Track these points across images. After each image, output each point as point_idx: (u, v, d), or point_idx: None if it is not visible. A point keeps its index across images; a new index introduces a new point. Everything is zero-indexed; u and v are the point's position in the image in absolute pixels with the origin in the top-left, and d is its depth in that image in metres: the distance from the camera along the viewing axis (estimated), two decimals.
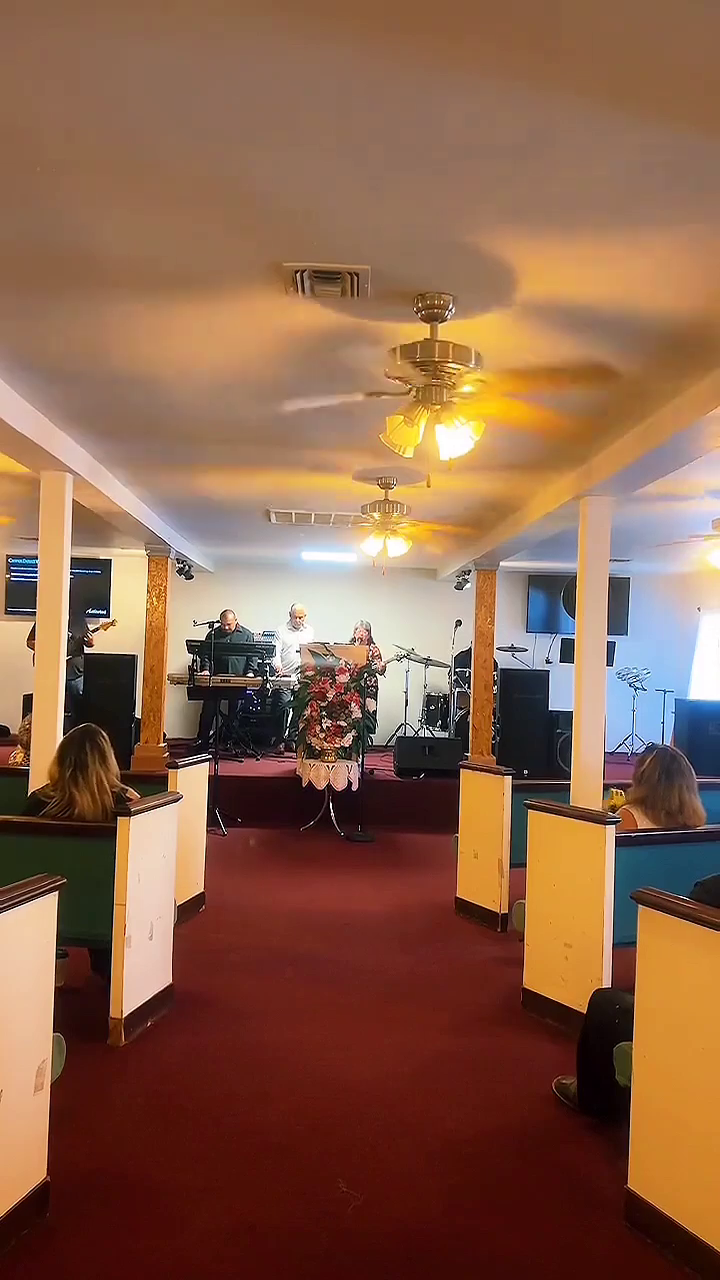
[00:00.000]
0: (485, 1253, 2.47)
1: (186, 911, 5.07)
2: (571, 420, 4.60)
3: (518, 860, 4.83)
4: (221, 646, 9.81)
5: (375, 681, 9.90)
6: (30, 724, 5.94)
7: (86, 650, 9.18)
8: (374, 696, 9.41)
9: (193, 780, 5.29)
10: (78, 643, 9.02)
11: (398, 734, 10.48)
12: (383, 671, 9.84)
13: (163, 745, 9.10)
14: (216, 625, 9.70)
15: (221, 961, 4.64)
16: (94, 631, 9.25)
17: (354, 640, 10.29)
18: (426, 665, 10.56)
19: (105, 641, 9.45)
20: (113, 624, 9.27)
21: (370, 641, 10.31)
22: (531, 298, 3.27)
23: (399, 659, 10.34)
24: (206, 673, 9.54)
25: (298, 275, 3.15)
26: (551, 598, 12.06)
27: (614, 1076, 2.86)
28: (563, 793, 5.38)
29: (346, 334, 3.68)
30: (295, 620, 10.53)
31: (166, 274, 3.21)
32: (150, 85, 2.19)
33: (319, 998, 4.22)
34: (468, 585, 10.12)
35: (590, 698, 5.65)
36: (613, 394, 4.16)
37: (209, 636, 9.57)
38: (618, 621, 11.43)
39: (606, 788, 5.32)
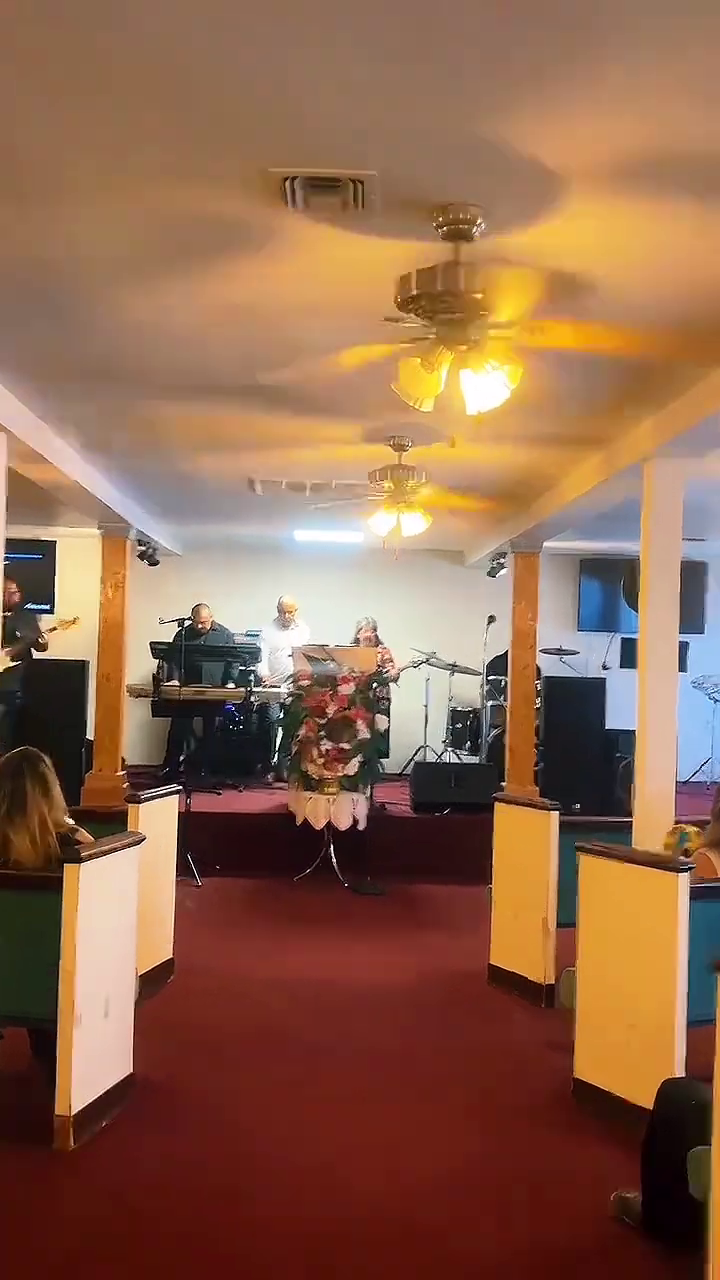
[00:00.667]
0: None
1: (152, 982, 5.08)
2: (643, 341, 4.47)
3: (567, 918, 4.82)
4: (194, 650, 9.81)
5: (387, 693, 9.93)
6: None
7: (37, 655, 9.18)
8: (385, 712, 9.43)
9: (159, 818, 5.30)
10: (26, 646, 9.02)
11: (415, 759, 10.47)
12: (395, 680, 9.85)
13: (121, 774, 9.11)
14: (188, 623, 9.70)
15: (196, 1045, 4.64)
16: (51, 631, 9.24)
17: (357, 641, 10.30)
18: (451, 672, 10.55)
19: (54, 644, 9.49)
20: (74, 623, 9.27)
21: (378, 642, 10.32)
22: (593, 181, 3.16)
23: (416, 665, 10.33)
24: (175, 683, 9.56)
25: (288, 184, 3.15)
26: (609, 587, 12.03)
27: (687, 1189, 2.84)
28: (624, 833, 5.37)
29: (352, 259, 3.67)
30: (285, 617, 10.55)
31: (129, 187, 3.22)
32: None
33: (318, 1090, 4.22)
34: (503, 572, 10.10)
35: (658, 712, 5.64)
36: (700, 308, 4.08)
37: (178, 637, 9.58)
38: (692, 616, 11.36)
39: (678, 826, 5.30)
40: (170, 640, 9.79)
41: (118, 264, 3.83)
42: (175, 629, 9.72)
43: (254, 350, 4.70)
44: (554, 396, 5.38)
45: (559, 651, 11.01)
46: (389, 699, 9.97)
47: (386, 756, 9.10)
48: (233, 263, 3.78)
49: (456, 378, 3.62)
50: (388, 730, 9.12)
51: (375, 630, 10.43)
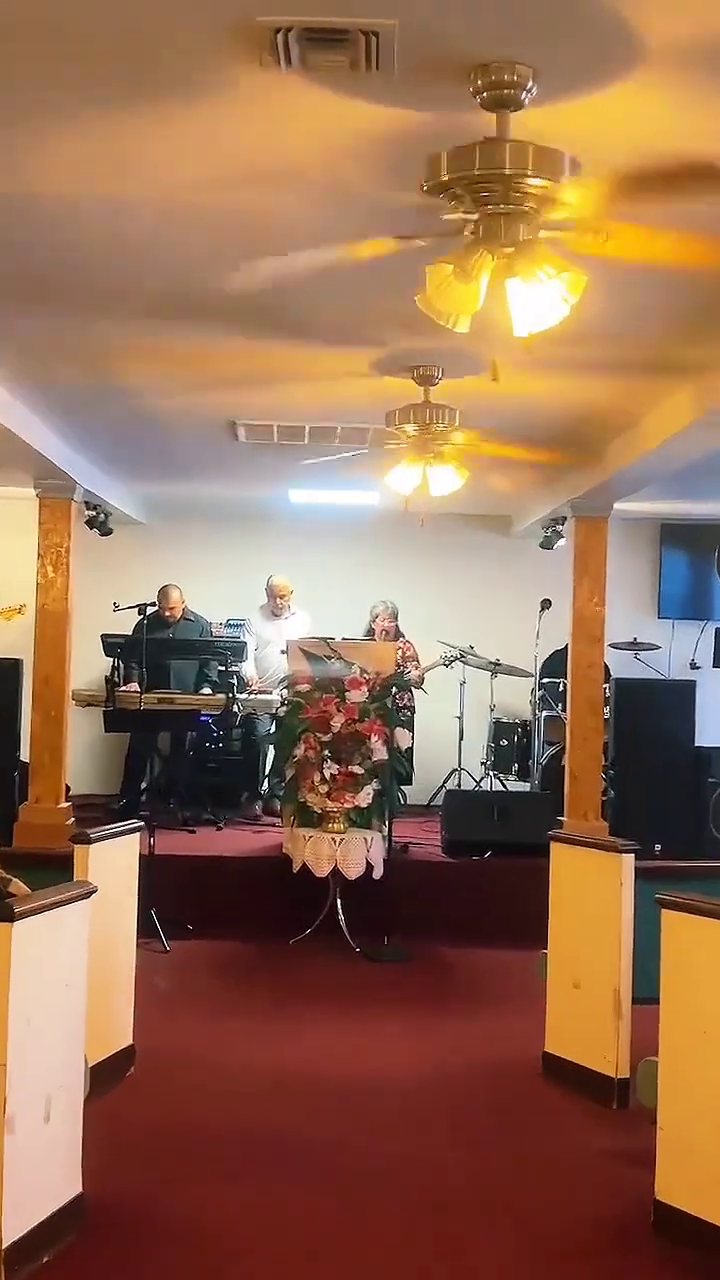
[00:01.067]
0: None
1: (106, 1075, 5.08)
2: None
3: (645, 992, 4.81)
4: (160, 645, 9.81)
5: (410, 700, 9.93)
6: None
7: None
8: (408, 725, 9.43)
9: (114, 863, 5.30)
10: None
11: (447, 787, 10.46)
12: (419, 684, 9.85)
13: (65, 806, 9.13)
14: (152, 610, 9.70)
15: (162, 1157, 4.64)
16: None
17: (372, 633, 10.30)
18: (494, 674, 10.55)
19: None
20: (19, 611, 9.30)
21: (399, 635, 10.32)
22: (682, 38, 3.17)
23: (448, 663, 10.33)
24: (135, 686, 9.57)
25: (280, 38, 3.14)
26: (699, 562, 12.00)
27: None
28: (718, 881, 5.35)
29: (363, 136, 3.66)
30: (276, 602, 10.56)
31: (81, 44, 3.22)
32: None
33: (319, 1219, 4.21)
34: (561, 543, 10.08)
35: None
36: None
37: (139, 628, 9.59)
38: None
39: None
40: (129, 633, 9.81)
41: (58, 135, 3.83)
42: (136, 618, 9.72)
43: (231, 250, 4.69)
44: (629, 312, 5.36)
45: (634, 646, 10.99)
46: (412, 708, 9.98)
47: (409, 783, 9.09)
48: (209, 136, 3.77)
49: (500, 289, 3.60)
50: (411, 749, 9.12)
51: (396, 619, 10.43)
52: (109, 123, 3.71)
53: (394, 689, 8.23)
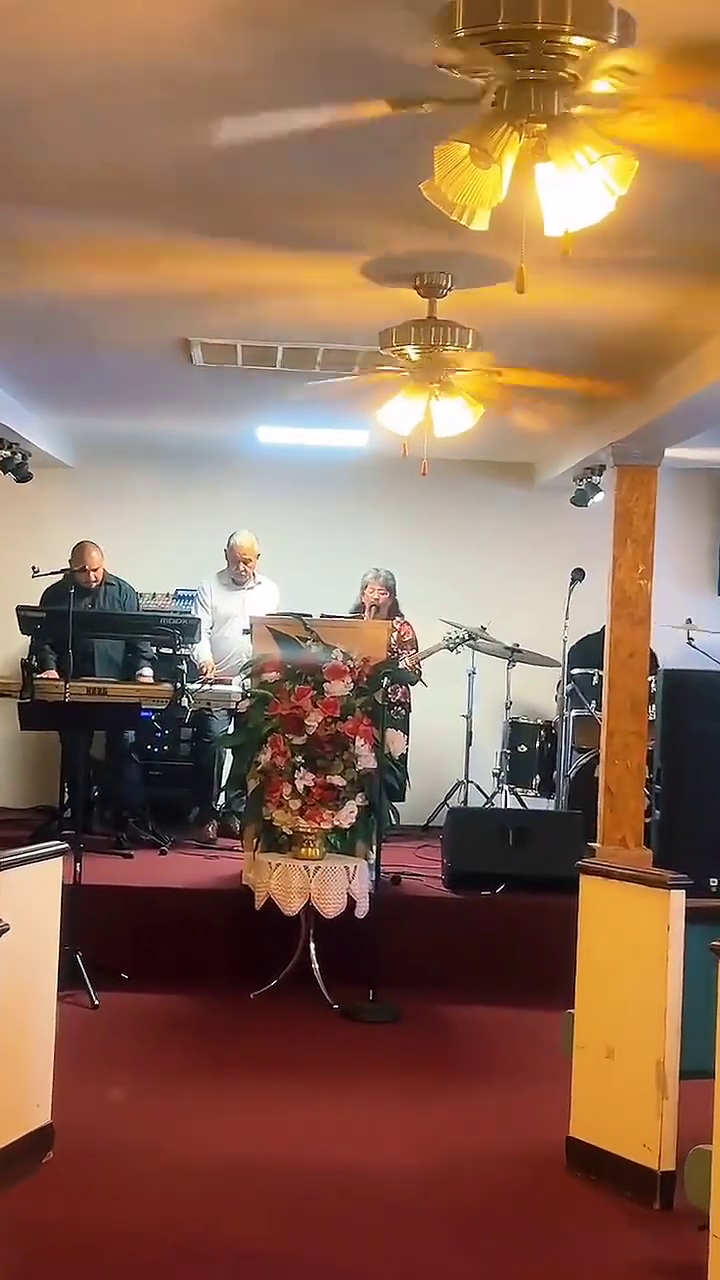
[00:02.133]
0: None
1: (16, 1162, 5.10)
2: None
3: (696, 1064, 4.83)
4: (87, 619, 9.78)
5: (406, 694, 9.93)
6: None
7: None
8: (403, 726, 9.43)
9: (30, 895, 5.30)
10: None
11: (450, 802, 10.46)
12: (417, 673, 9.85)
13: None
14: (64, 572, 9.61)
15: (82, 1268, 4.63)
16: None
17: (361, 609, 10.30)
18: (511, 662, 10.56)
19: None
20: None
21: (394, 611, 10.32)
22: None
23: (451, 647, 10.34)
24: (54, 673, 9.54)
25: None
26: None
27: None
28: None
29: None
30: (238, 568, 10.53)
31: None
32: None
33: None
34: (597, 498, 10.08)
35: None
36: None
37: (55, 596, 9.55)
38: None
39: None
40: (42, 602, 9.79)
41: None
42: (50, 585, 9.70)
43: (179, 115, 4.68)
44: (690, 203, 5.35)
45: (688, 627, 11.00)
46: (408, 705, 9.99)
47: (403, 798, 9.10)
48: None
49: (528, 176, 3.59)
50: (406, 755, 9.13)
51: (391, 592, 10.43)
52: None
53: (385, 680, 8.21)
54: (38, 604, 9.79)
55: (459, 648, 10.34)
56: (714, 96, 4.07)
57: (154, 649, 9.98)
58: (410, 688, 9.92)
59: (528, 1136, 5.97)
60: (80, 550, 10.12)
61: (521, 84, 3.49)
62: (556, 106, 3.51)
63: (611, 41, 3.43)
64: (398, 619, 10.23)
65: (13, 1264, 4.31)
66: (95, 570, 10.12)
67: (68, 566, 9.53)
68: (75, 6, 3.94)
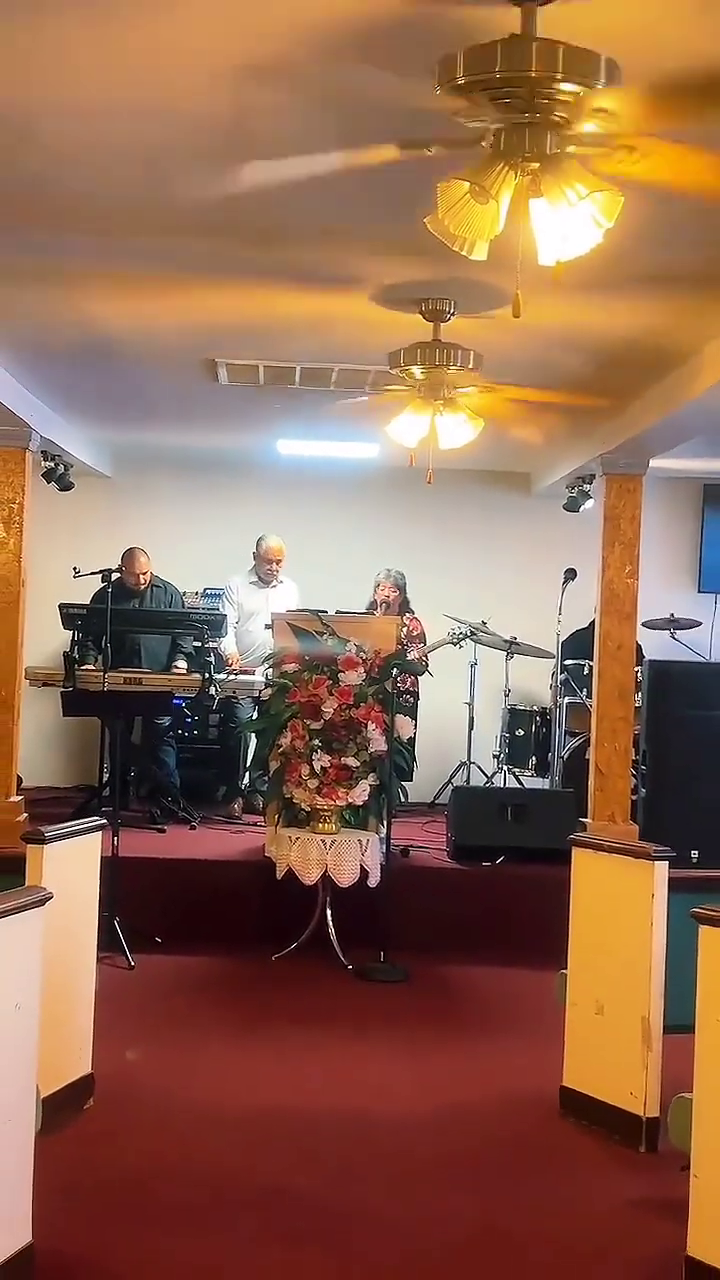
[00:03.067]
0: None
1: (60, 1108, 5.09)
2: None
3: (678, 1019, 4.82)
4: (126, 617, 9.80)
5: (414, 684, 9.91)
6: None
7: None
8: (411, 713, 9.41)
9: (72, 866, 5.30)
10: None
11: (454, 783, 10.45)
12: (424, 664, 9.84)
13: (16, 799, 9.14)
14: (116, 576, 9.67)
15: (123, 1204, 4.65)
16: None
17: (374, 605, 10.29)
18: (509, 654, 10.55)
19: None
20: None
21: (405, 608, 10.31)
22: None
23: (456, 641, 10.32)
24: (94, 666, 9.55)
25: None
26: None
27: None
28: None
29: (366, 30, 3.64)
30: (267, 566, 10.51)
31: None
32: None
33: (307, 1276, 4.22)
34: (588, 505, 10.05)
35: None
36: None
37: (101, 596, 9.58)
38: None
39: None
40: (91, 602, 9.79)
41: (5, 25, 3.80)
42: (100, 586, 9.71)
43: (209, 158, 4.69)
44: (673, 236, 5.34)
45: (670, 622, 10.98)
46: (416, 693, 9.98)
47: (411, 779, 9.09)
48: (180, 26, 3.75)
49: (523, 210, 3.58)
50: (414, 739, 9.12)
51: (402, 590, 10.42)
52: (61, 12, 3.68)
53: (394, 670, 8.20)
54: (88, 603, 9.80)
55: (461, 642, 10.33)
56: (690, 134, 4.06)
57: (192, 643, 10.00)
58: (418, 678, 9.92)
59: (524, 1086, 5.97)
60: (129, 556, 10.15)
61: (516, 126, 3.48)
62: (549, 147, 3.50)
63: (599, 87, 3.41)
64: (408, 615, 10.21)
65: (61, 1196, 4.31)
66: (141, 575, 10.16)
67: (109, 568, 9.49)
68: (114, 60, 3.97)
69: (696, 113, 4.04)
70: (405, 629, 9.71)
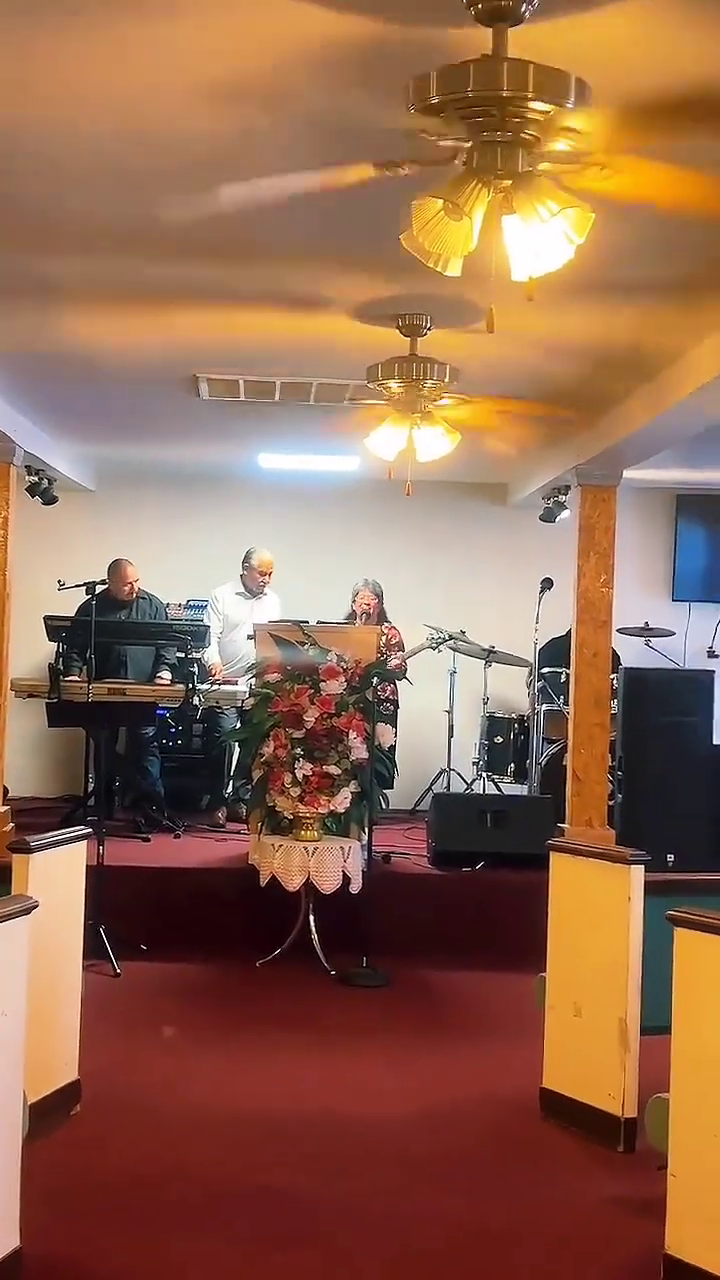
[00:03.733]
0: None
1: (47, 1114, 5.07)
2: None
3: (655, 1021, 4.82)
4: (111, 628, 9.79)
5: (394, 692, 9.91)
6: None
7: None
8: (392, 720, 9.41)
9: (58, 875, 5.30)
10: None
11: (435, 789, 10.45)
12: (400, 675, 9.85)
13: (2, 810, 9.11)
14: (100, 589, 9.65)
15: (110, 1208, 4.64)
16: None
17: (353, 616, 10.29)
18: (488, 662, 10.55)
19: None
20: None
21: (383, 617, 10.31)
22: None
23: (434, 646, 10.33)
24: (79, 677, 9.54)
25: None
26: (719, 535, 12.02)
27: None
28: None
29: (340, 51, 3.65)
30: (258, 579, 10.50)
31: None
32: None
33: (294, 1276, 4.21)
34: (564, 515, 10.07)
35: None
36: None
37: (86, 609, 9.57)
38: None
39: None
40: (75, 614, 9.79)
41: (21, 96, 3.81)
42: (83, 597, 9.70)
43: (188, 176, 4.69)
44: (645, 251, 5.36)
45: (646, 632, 11.01)
46: (396, 701, 9.98)
47: (392, 785, 9.10)
48: (159, 47, 3.75)
49: (496, 227, 3.59)
50: (394, 746, 9.13)
51: (380, 598, 10.42)
52: (45, 35, 3.67)
53: (374, 680, 8.20)
54: (69, 616, 9.78)
55: (440, 646, 10.34)
56: (659, 150, 4.08)
57: (176, 654, 9.99)
58: (398, 686, 9.91)
59: (505, 1087, 5.97)
60: (117, 568, 10.12)
61: (489, 145, 3.47)
62: (520, 164, 3.50)
63: (569, 106, 3.42)
64: (386, 624, 10.22)
65: (49, 1200, 4.30)
66: (127, 586, 10.14)
67: (93, 580, 9.48)
68: (97, 82, 3.98)
69: (667, 130, 4.05)
70: (384, 637, 9.72)
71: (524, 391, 7.82)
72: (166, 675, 9.93)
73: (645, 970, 5.25)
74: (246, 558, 10.53)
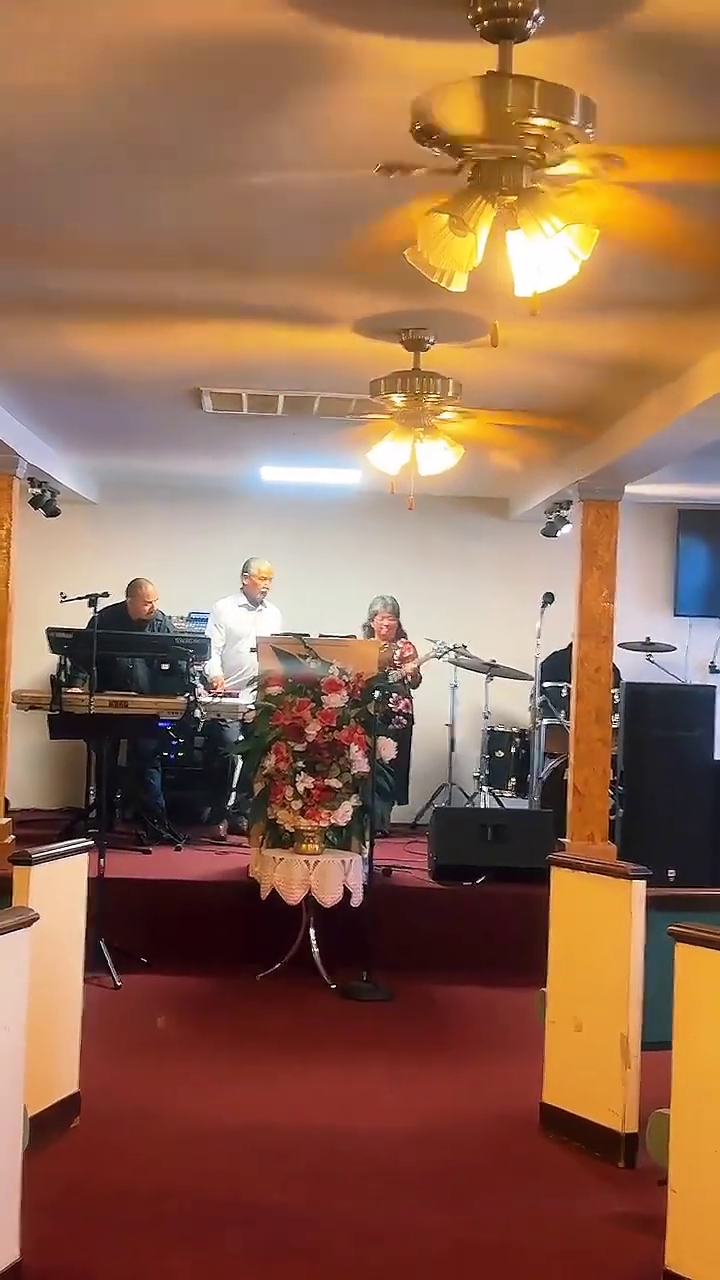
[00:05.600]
0: None
1: (47, 1127, 5.07)
2: None
3: (656, 1036, 4.82)
4: (113, 640, 9.79)
5: (408, 706, 9.95)
6: None
7: None
8: (406, 735, 9.42)
9: (59, 888, 5.30)
10: None
11: (436, 802, 10.46)
12: (415, 682, 9.88)
13: (4, 822, 9.12)
14: (106, 604, 9.62)
15: (110, 1221, 4.63)
16: None
17: (370, 633, 10.33)
18: (489, 677, 10.56)
19: None
20: None
21: (400, 634, 10.38)
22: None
23: (439, 655, 10.36)
24: (78, 689, 9.55)
25: None
26: None
27: None
28: None
29: (347, 64, 3.67)
30: (253, 585, 10.50)
31: None
32: None
33: None
34: (565, 530, 10.08)
35: None
36: None
37: (100, 621, 9.58)
38: None
39: None
40: (79, 626, 9.79)
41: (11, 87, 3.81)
42: (87, 611, 9.69)
43: (191, 184, 4.70)
44: (646, 268, 5.37)
45: (647, 647, 11.02)
46: (411, 716, 10.04)
47: (394, 798, 9.11)
48: None
49: (500, 243, 3.60)
50: (406, 759, 9.13)
51: (397, 617, 10.47)
52: (44, 50, 3.68)
53: (378, 693, 8.20)
54: (75, 627, 9.79)
55: (444, 656, 10.38)
56: (658, 186, 4.10)
57: (184, 666, 9.99)
58: (412, 701, 9.97)
59: (505, 1102, 5.96)
60: (138, 587, 10.18)
61: (493, 161, 3.49)
62: (525, 181, 3.51)
63: (573, 123, 3.43)
64: (402, 640, 10.31)
65: (49, 1213, 4.29)
66: (147, 605, 10.19)
67: (95, 593, 9.46)
68: (97, 96, 3.97)
69: (675, 165, 4.07)
70: (399, 653, 9.82)
71: (527, 406, 7.85)
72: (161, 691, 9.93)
73: (646, 985, 5.25)
74: (245, 567, 10.56)
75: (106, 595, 9.82)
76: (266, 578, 10.51)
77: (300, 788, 7.89)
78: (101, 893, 7.07)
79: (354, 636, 9.94)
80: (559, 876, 5.76)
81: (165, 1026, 6.42)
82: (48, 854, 5.25)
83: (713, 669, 11.65)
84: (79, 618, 9.77)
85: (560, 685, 10.23)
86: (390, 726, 8.67)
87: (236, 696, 9.81)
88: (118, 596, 10.02)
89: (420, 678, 10.09)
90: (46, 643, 9.88)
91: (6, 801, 9.32)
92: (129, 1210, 4.72)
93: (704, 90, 3.77)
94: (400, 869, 9.13)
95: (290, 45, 3.59)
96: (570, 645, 9.68)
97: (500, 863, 8.78)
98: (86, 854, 5.68)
